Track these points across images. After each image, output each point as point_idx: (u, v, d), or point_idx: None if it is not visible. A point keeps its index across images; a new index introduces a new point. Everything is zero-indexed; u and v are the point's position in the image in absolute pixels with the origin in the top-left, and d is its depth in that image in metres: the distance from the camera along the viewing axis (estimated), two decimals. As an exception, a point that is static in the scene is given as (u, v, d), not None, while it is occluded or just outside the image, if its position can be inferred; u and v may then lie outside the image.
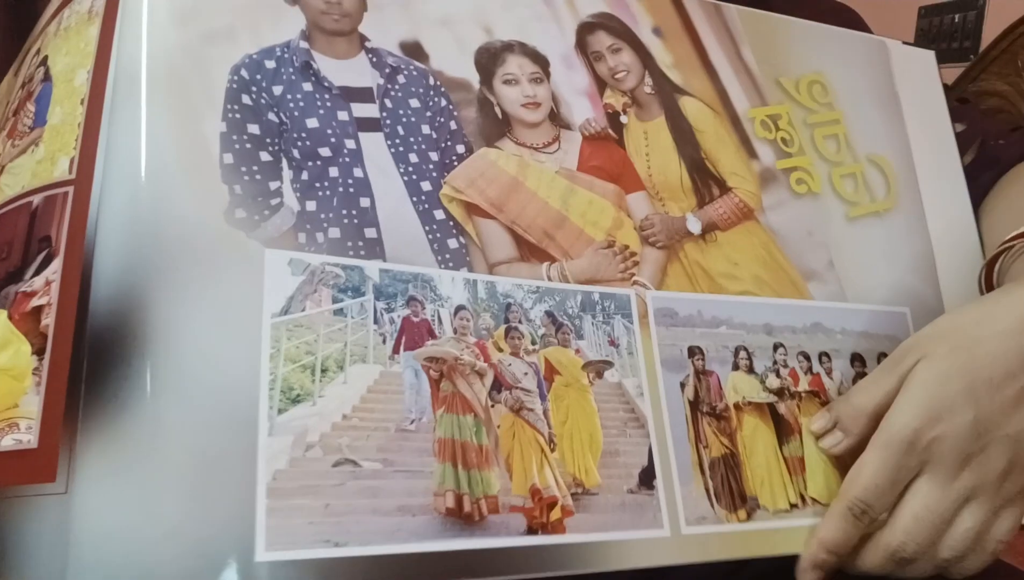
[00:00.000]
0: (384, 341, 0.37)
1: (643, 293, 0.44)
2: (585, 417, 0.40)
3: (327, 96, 0.40)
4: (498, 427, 0.38)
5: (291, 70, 0.39)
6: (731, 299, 0.46)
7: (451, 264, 0.40)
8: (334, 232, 0.38)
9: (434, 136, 0.42)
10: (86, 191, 0.34)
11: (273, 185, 0.37)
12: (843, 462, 0.46)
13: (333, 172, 0.39)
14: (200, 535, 0.30)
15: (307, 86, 0.40)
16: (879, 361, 0.49)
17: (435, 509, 0.35)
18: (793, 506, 0.43)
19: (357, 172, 0.39)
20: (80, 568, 0.29)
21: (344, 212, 0.38)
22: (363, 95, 0.41)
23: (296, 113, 0.39)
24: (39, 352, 0.33)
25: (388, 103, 0.41)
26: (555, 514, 0.37)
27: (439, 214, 0.41)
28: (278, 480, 0.32)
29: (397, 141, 0.41)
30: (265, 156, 0.37)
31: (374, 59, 0.42)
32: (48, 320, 0.33)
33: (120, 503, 0.30)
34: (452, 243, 0.40)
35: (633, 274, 0.44)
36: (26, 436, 0.32)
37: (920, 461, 0.40)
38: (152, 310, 0.32)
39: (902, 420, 0.40)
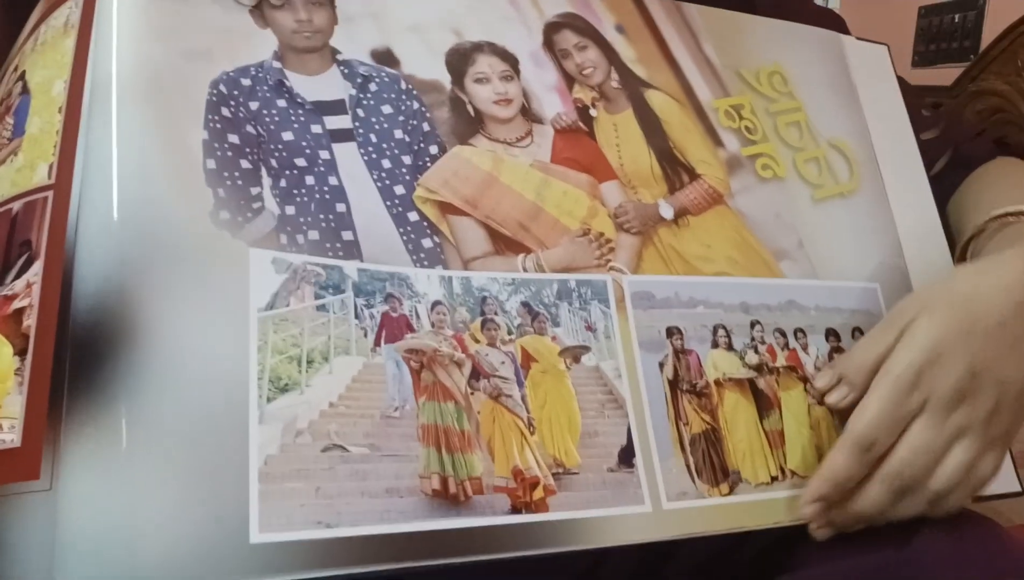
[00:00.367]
0: (365, 335, 0.38)
1: (619, 278, 0.45)
2: (563, 401, 0.41)
3: (300, 111, 0.42)
4: (478, 413, 0.39)
5: (265, 88, 0.41)
6: (707, 280, 0.48)
7: (426, 263, 0.41)
8: (313, 234, 0.40)
9: (407, 139, 0.44)
10: (66, 194, 0.35)
11: (254, 190, 0.39)
12: (821, 435, 0.47)
13: (309, 180, 0.41)
14: (193, 522, 0.31)
15: (281, 102, 0.41)
16: (853, 336, 0.50)
17: (422, 491, 0.36)
18: (774, 479, 0.45)
19: (332, 180, 0.41)
20: (67, 563, 0.30)
21: (321, 216, 0.40)
22: (335, 108, 0.43)
23: (272, 127, 0.41)
24: (21, 353, 0.33)
25: (360, 112, 0.43)
26: (538, 493, 0.38)
27: (413, 216, 0.42)
28: (269, 465, 0.34)
29: (370, 149, 0.43)
30: (245, 164, 0.39)
31: (346, 71, 0.44)
32: (30, 321, 0.33)
33: (106, 497, 0.31)
34: (427, 243, 0.42)
35: (609, 260, 0.46)
36: (9, 435, 0.32)
37: (921, 400, 0.43)
38: (138, 307, 0.33)
39: (906, 359, 0.43)
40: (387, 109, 0.44)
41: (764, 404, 0.47)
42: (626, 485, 0.40)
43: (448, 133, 0.45)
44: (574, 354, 0.43)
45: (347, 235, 0.40)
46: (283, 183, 0.40)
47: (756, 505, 0.44)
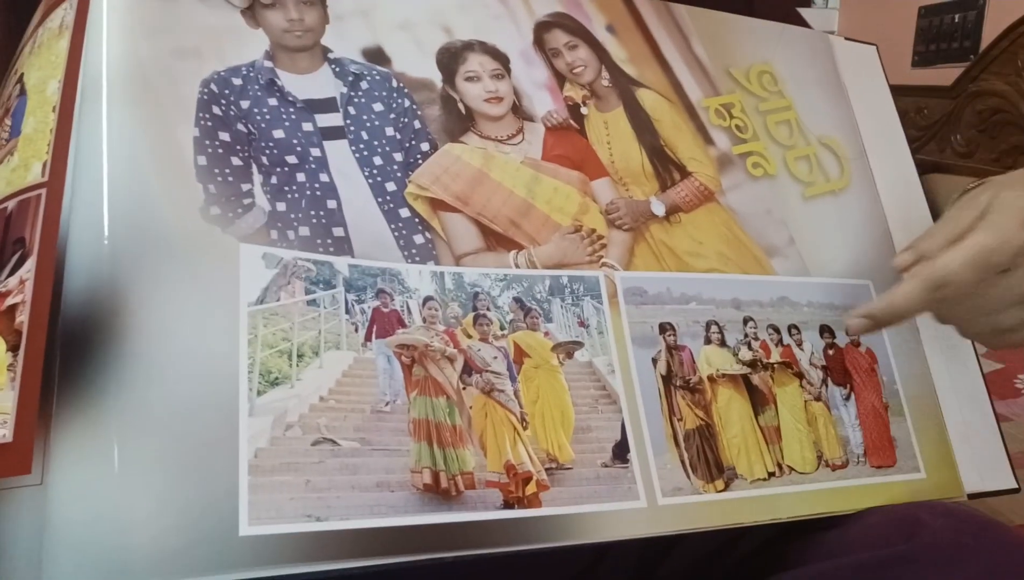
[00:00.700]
0: (356, 330, 0.38)
1: (612, 274, 0.45)
2: (556, 396, 0.41)
3: (292, 109, 0.42)
4: (470, 408, 0.39)
5: (256, 87, 0.42)
6: (699, 276, 0.48)
7: (418, 258, 0.42)
8: (304, 230, 0.40)
9: (398, 137, 0.44)
10: (58, 192, 0.35)
11: (245, 187, 0.39)
12: (818, 431, 0.47)
13: (300, 177, 0.41)
14: (182, 514, 0.31)
15: (272, 101, 0.42)
16: (847, 332, 0.50)
17: (413, 485, 0.36)
18: (771, 474, 0.45)
19: (323, 177, 0.41)
20: (57, 556, 0.30)
21: (312, 213, 0.40)
22: (327, 105, 0.43)
23: (263, 125, 0.41)
24: (14, 349, 0.33)
25: (352, 110, 0.43)
26: (530, 488, 0.38)
27: (404, 212, 0.42)
28: (260, 458, 0.34)
29: (361, 146, 0.43)
30: (236, 161, 0.39)
31: (337, 69, 0.44)
32: (23, 317, 0.33)
33: (97, 491, 0.31)
34: (418, 239, 0.42)
35: (601, 256, 0.46)
36: (1, 431, 0.32)
37: (1010, 263, 0.44)
38: (129, 302, 0.34)
39: (1002, 223, 0.44)
40: (378, 107, 0.44)
41: (759, 400, 0.47)
42: (620, 480, 0.40)
43: (439, 130, 0.45)
44: (567, 350, 0.43)
45: (338, 231, 0.40)
46: (274, 180, 0.40)
47: (752, 501, 0.43)
